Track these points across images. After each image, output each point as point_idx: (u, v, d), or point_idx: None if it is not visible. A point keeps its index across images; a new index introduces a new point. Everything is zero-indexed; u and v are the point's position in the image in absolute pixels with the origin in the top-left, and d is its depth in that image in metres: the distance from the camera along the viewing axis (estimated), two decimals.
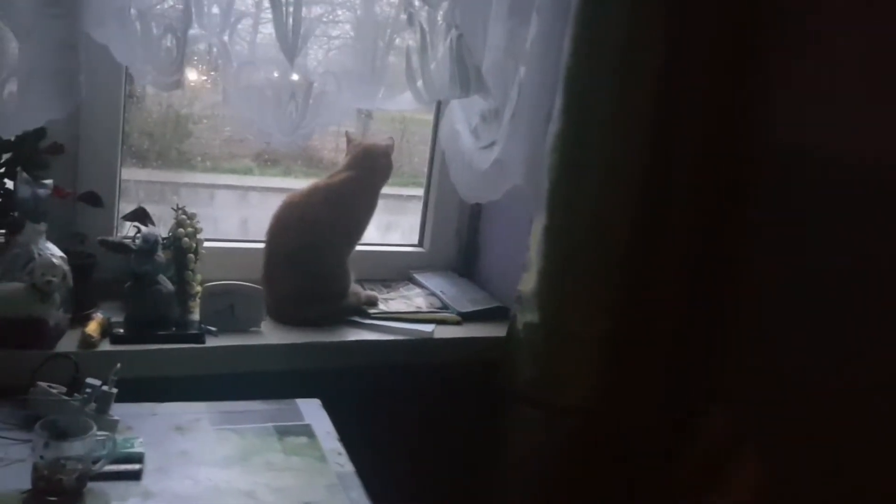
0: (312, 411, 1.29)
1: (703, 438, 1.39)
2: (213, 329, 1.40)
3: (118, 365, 1.14)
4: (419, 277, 1.80)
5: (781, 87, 1.34)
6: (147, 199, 1.63)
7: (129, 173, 1.59)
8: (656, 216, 1.41)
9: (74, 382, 1.15)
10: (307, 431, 1.22)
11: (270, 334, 1.45)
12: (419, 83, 1.32)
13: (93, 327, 1.29)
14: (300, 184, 1.68)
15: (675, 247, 1.42)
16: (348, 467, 1.13)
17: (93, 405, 1.10)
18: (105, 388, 1.11)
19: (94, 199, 1.39)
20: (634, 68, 1.35)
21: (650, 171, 1.39)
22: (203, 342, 1.36)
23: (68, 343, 1.26)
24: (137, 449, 1.07)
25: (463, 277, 1.85)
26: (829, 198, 1.23)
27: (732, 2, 1.36)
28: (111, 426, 1.09)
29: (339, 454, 1.17)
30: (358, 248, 1.74)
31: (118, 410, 1.15)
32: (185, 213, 1.46)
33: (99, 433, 0.99)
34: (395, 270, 1.83)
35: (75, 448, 0.95)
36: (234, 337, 1.41)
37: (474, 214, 1.87)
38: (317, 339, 1.45)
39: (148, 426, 1.17)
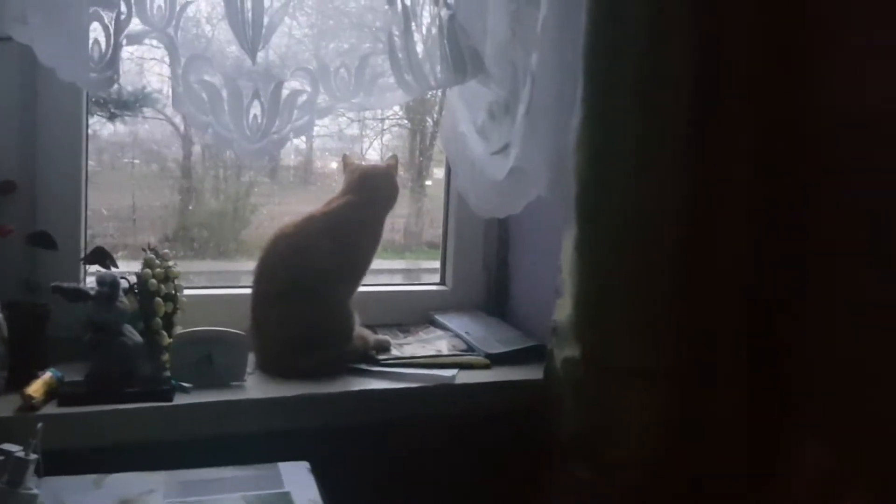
0: (296, 477, 1.04)
1: (793, 484, 1.09)
2: (186, 385, 1.18)
3: (39, 425, 0.92)
4: (441, 319, 1.56)
5: (835, 51, 1.09)
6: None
7: (188, 265, 1.55)
8: (707, 215, 1.15)
9: None
10: (284, 500, 0.97)
11: (255, 388, 1.22)
12: (406, 71, 1.10)
13: (36, 387, 1.08)
14: None
15: (732, 252, 1.16)
16: None
17: (4, 477, 0.88)
18: (20, 454, 0.89)
19: (45, 241, 1.20)
20: (665, 37, 1.12)
21: (694, 161, 1.14)
22: (170, 400, 1.14)
23: (4, 406, 1.06)
24: None
25: (493, 317, 1.60)
26: None
27: None
28: (26, 502, 0.87)
29: None
30: (372, 288, 1.53)
31: (52, 484, 0.94)
32: (155, 253, 1.27)
33: None
34: (415, 313, 1.60)
35: None
36: (212, 393, 1.18)
37: (502, 243, 1.63)
38: (309, 391, 1.21)
39: (87, 502, 0.94)
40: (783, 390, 1.16)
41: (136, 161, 1.62)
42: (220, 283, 1.61)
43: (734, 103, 1.16)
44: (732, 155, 1.16)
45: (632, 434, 1.20)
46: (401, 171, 1.46)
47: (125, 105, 1.49)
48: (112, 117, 1.49)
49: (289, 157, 1.80)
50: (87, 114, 1.31)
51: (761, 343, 1.17)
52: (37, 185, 1.27)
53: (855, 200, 1.06)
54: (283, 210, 1.71)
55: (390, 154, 1.47)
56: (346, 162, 1.43)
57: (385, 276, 1.74)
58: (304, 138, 1.74)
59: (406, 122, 1.82)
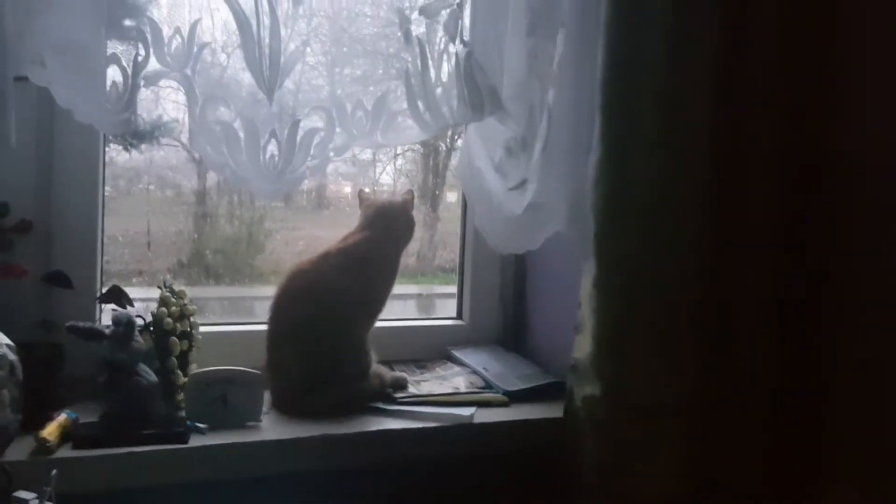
0: None
1: None
2: (201, 426, 1.16)
3: (53, 472, 0.91)
4: (458, 354, 1.54)
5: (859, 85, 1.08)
6: (223, 315, 1.65)
7: (203, 291, 1.57)
8: (729, 251, 1.13)
9: (4, 496, 0.91)
10: None
11: (271, 429, 1.20)
12: (423, 110, 1.10)
13: (50, 430, 1.07)
14: None
15: (752, 287, 1.14)
16: None
17: None
18: (36, 501, 0.87)
19: (61, 280, 1.20)
20: (682, 73, 1.11)
21: (714, 196, 1.12)
22: (185, 442, 1.12)
23: (18, 450, 1.05)
24: None
25: (511, 352, 1.58)
26: None
27: None
28: None
29: None
30: (387, 324, 1.52)
31: None
32: (171, 291, 1.26)
33: None
34: (432, 348, 1.57)
35: None
36: (227, 434, 1.16)
37: (519, 275, 1.61)
38: (325, 431, 1.19)
39: None
40: (808, 428, 1.14)
41: (152, 187, 1.62)
42: (234, 309, 1.60)
43: (756, 141, 1.14)
44: (753, 194, 1.15)
45: (656, 472, 1.18)
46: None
47: (142, 136, 1.48)
48: (128, 147, 1.49)
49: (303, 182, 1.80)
50: (104, 153, 1.31)
51: (785, 378, 1.14)
52: (53, 224, 1.27)
53: None
54: (297, 235, 1.72)
55: (407, 189, 1.46)
56: (361, 197, 1.43)
57: (399, 301, 1.73)
58: None
59: (419, 146, 1.81)
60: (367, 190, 1.47)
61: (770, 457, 1.18)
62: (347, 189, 1.81)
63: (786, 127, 1.15)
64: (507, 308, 1.62)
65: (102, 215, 1.33)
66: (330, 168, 1.76)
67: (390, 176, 1.86)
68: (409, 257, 1.73)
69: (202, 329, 1.31)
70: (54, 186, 1.26)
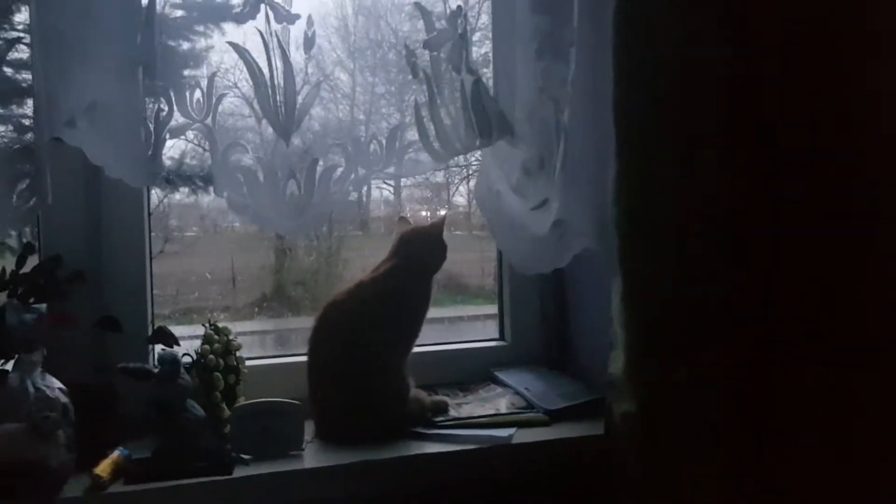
0: None
1: None
2: (245, 457, 1.21)
3: None
4: (501, 375, 1.54)
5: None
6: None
7: (285, 323, 1.64)
8: (753, 262, 1.10)
9: None
10: None
11: (312, 457, 1.24)
12: (433, 140, 1.12)
13: (103, 467, 1.14)
14: (448, 312, 1.65)
15: (782, 301, 1.10)
16: None
17: None
18: None
19: (111, 325, 1.27)
20: (696, 92, 1.10)
21: (737, 202, 1.10)
22: (230, 473, 1.17)
23: (75, 487, 1.11)
24: None
25: (553, 370, 1.57)
26: None
27: None
28: None
29: None
30: (430, 348, 1.54)
31: None
32: (215, 328, 1.32)
33: None
34: (475, 371, 1.58)
35: None
36: (271, 464, 1.21)
37: (559, 293, 1.61)
38: (365, 457, 1.22)
39: None
40: (852, 447, 1.10)
41: (236, 224, 1.69)
42: None
43: (775, 158, 1.12)
44: (774, 205, 1.12)
45: (697, 490, 1.15)
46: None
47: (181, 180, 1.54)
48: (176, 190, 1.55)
49: (378, 208, 1.85)
50: (149, 201, 1.39)
51: (825, 394, 1.10)
52: (103, 271, 1.34)
53: None
54: (374, 262, 1.74)
55: (441, 213, 1.48)
56: (398, 222, 1.45)
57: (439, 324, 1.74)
58: (391, 188, 1.79)
59: None
60: (407, 216, 1.48)
61: (820, 467, 1.14)
62: (423, 213, 1.86)
63: (807, 134, 1.12)
64: (548, 326, 1.62)
65: (150, 259, 1.40)
66: (404, 194, 1.82)
67: (464, 196, 1.89)
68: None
69: (249, 363, 1.37)
70: (103, 235, 1.34)
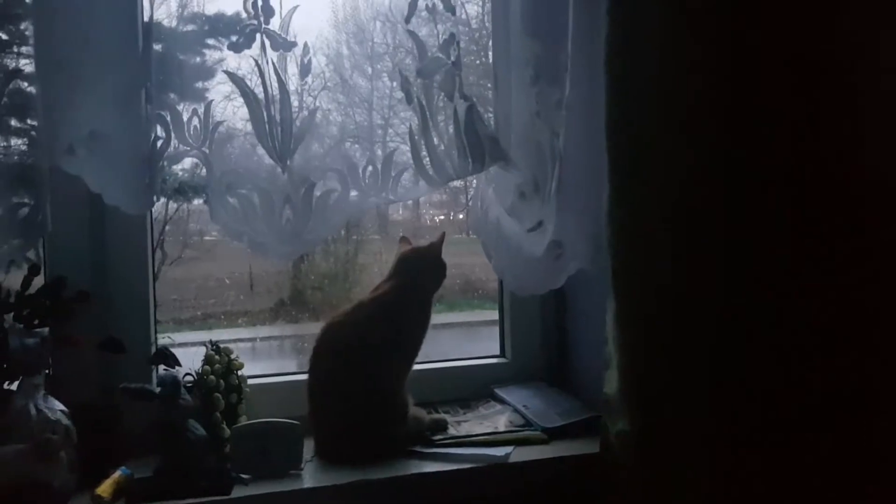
0: None
1: None
2: (244, 476, 1.23)
3: None
4: (501, 392, 1.55)
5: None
6: None
7: (303, 328, 1.64)
8: (747, 281, 1.11)
9: None
10: None
11: (311, 476, 1.26)
12: (427, 166, 1.14)
13: (104, 487, 1.16)
14: (464, 317, 1.63)
15: (777, 324, 1.11)
16: None
17: None
18: None
19: (115, 346, 1.29)
20: (686, 105, 1.11)
21: (730, 225, 1.11)
22: (227, 493, 1.18)
23: None
24: None
25: (554, 387, 1.58)
26: None
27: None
28: None
29: None
30: (432, 365, 1.56)
31: None
32: (216, 348, 1.34)
33: None
34: (476, 388, 1.59)
35: None
36: (269, 484, 1.22)
37: (559, 310, 1.62)
38: (362, 477, 1.24)
39: None
40: (849, 462, 1.10)
41: None
42: None
43: (769, 182, 1.12)
44: (769, 229, 1.12)
45: None
46: None
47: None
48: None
49: (396, 212, 1.85)
50: (152, 223, 1.41)
51: (818, 413, 1.11)
52: (108, 292, 1.36)
53: None
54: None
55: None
56: (399, 242, 1.46)
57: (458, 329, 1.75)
58: None
59: None
60: (406, 236, 1.50)
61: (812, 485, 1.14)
62: (440, 218, 1.87)
63: (801, 150, 1.13)
64: (549, 343, 1.63)
65: (154, 280, 1.43)
66: (422, 198, 1.83)
67: None
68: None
69: (251, 382, 1.39)
70: (108, 257, 1.36)
